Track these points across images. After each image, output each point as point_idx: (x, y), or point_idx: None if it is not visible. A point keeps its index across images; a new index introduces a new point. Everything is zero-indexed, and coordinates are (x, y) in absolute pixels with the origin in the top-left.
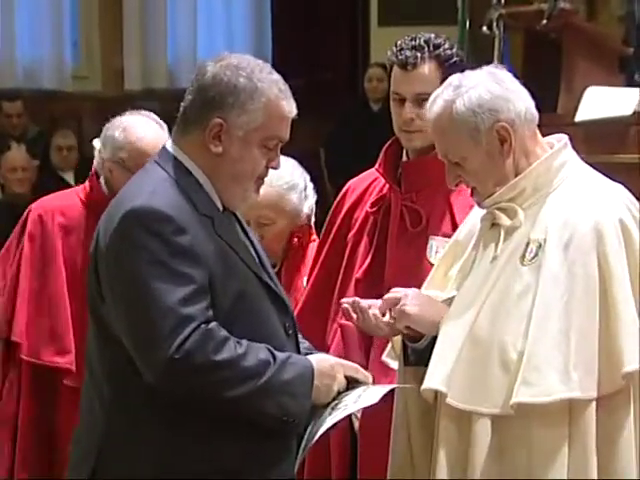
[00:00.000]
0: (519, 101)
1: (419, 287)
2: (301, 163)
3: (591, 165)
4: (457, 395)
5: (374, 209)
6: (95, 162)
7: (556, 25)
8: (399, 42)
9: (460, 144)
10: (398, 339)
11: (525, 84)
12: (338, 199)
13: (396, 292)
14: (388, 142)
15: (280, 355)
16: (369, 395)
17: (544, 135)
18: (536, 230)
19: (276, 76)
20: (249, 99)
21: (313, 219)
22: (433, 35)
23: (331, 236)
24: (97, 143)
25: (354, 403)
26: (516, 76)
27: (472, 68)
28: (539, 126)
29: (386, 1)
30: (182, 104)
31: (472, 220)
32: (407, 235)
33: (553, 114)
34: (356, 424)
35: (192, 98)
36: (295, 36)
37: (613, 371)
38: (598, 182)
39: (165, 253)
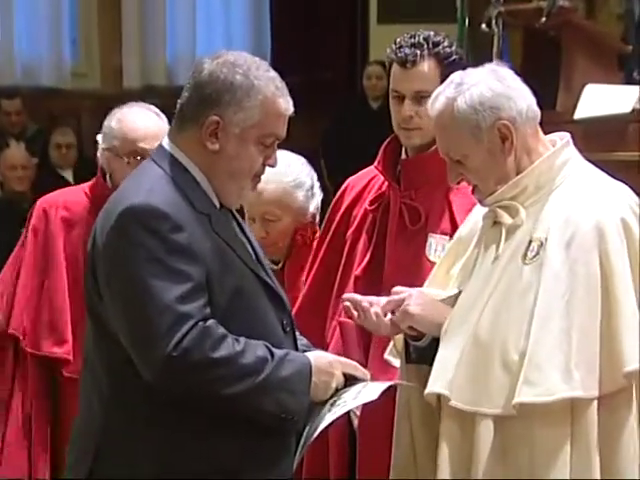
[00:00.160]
0: (521, 99)
1: (418, 284)
2: None
3: (590, 162)
4: (459, 396)
5: (373, 207)
6: (98, 155)
7: (555, 23)
8: (398, 40)
9: (461, 142)
10: (400, 337)
11: (524, 82)
12: (337, 196)
13: (400, 292)
14: (387, 140)
15: (278, 352)
16: (368, 391)
17: (544, 133)
18: (538, 228)
19: (273, 73)
20: (246, 96)
21: (318, 218)
22: (432, 33)
23: (330, 233)
24: (99, 137)
25: (353, 400)
26: (516, 73)
27: (471, 66)
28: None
29: None
30: (179, 101)
31: (474, 218)
32: (406, 233)
33: (552, 112)
34: (355, 422)
35: (189, 95)
36: (294, 34)
37: (614, 370)
38: (600, 180)
39: (162, 251)
